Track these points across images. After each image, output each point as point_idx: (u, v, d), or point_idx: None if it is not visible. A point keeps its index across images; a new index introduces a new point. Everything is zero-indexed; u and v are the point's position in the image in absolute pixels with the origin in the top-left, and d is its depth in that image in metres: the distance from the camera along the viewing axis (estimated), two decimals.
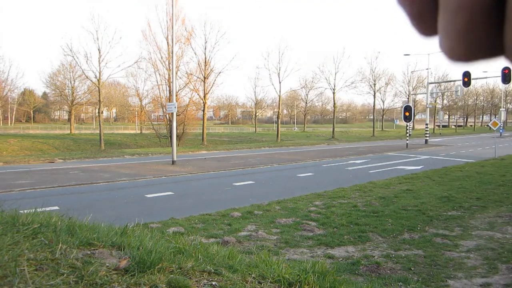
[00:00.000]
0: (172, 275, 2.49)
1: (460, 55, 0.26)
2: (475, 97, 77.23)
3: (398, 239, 6.34)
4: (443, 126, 76.49)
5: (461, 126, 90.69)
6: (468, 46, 0.25)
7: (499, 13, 0.24)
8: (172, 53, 19.63)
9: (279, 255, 5.24)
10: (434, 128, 64.95)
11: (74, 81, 42.06)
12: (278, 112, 42.87)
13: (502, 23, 0.24)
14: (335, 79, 44.11)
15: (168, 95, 32.20)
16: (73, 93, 42.54)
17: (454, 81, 36.84)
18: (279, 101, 41.77)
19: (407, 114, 26.72)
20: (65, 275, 2.19)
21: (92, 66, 31.00)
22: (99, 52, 30.00)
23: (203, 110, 34.69)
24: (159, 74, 33.41)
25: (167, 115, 33.41)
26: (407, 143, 29.70)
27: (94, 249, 2.73)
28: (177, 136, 22.39)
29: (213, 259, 3.04)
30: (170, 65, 28.16)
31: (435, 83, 48.72)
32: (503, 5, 0.23)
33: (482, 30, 0.24)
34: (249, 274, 2.87)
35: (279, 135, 41.57)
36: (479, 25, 0.24)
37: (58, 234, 2.82)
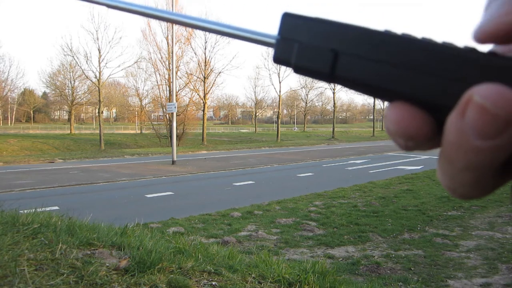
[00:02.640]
0: (172, 275, 2.49)
1: (461, 195, 0.26)
2: None
3: (398, 239, 6.34)
4: None
5: None
6: (471, 191, 0.26)
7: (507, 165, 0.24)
8: (172, 53, 19.64)
9: (279, 255, 5.24)
10: None
11: (74, 81, 42.05)
12: (278, 112, 42.88)
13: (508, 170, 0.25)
14: None
15: (168, 95, 32.21)
16: (73, 93, 42.53)
17: None
18: (279, 101, 41.78)
19: None
20: (65, 275, 2.19)
21: (92, 66, 31.09)
22: (99, 52, 30.02)
23: (203, 110, 34.70)
24: (159, 74, 33.46)
25: (167, 115, 33.42)
26: None
27: (94, 249, 2.73)
28: (177, 136, 22.40)
29: (213, 259, 3.04)
30: (170, 65, 28.17)
31: None
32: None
33: (488, 182, 0.25)
34: (249, 274, 2.88)
35: (279, 135, 41.57)
36: (485, 179, 0.25)
37: (58, 234, 2.82)
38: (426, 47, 0.25)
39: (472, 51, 0.25)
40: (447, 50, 0.25)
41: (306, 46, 0.28)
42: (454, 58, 0.25)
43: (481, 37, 0.26)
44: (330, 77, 0.28)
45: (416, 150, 0.27)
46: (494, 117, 0.22)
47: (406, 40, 0.26)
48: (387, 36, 0.26)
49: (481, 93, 0.22)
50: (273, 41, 0.29)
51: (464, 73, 0.24)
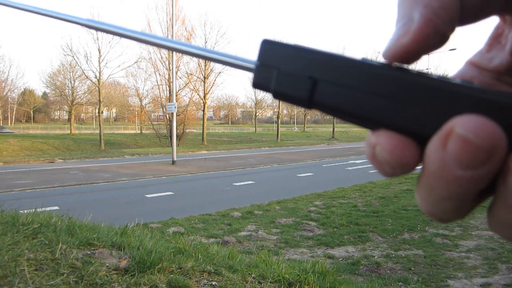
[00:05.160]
0: (172, 275, 2.50)
1: (441, 219, 0.27)
2: None
3: (398, 239, 6.34)
4: None
5: None
6: (451, 216, 0.26)
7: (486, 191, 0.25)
8: (172, 53, 19.63)
9: (279, 255, 5.24)
10: None
11: (74, 81, 42.03)
12: (278, 112, 42.90)
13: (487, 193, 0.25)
14: None
15: (168, 95, 32.22)
16: (73, 93, 42.50)
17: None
18: (279, 101, 41.72)
19: None
20: (65, 275, 2.19)
21: (92, 66, 31.13)
22: (99, 52, 30.05)
23: (203, 110, 34.70)
24: (159, 74, 33.46)
25: (167, 115, 33.43)
26: None
27: (94, 249, 2.73)
28: (177, 136, 22.41)
29: (213, 259, 3.04)
30: (170, 65, 28.18)
31: None
32: (491, 189, 0.24)
33: (468, 206, 0.26)
34: (249, 274, 2.88)
35: (279, 135, 41.58)
36: (465, 205, 0.25)
37: (58, 234, 2.82)
38: (401, 77, 0.26)
39: (450, 81, 0.25)
40: (425, 81, 0.25)
41: (285, 73, 0.28)
42: (433, 89, 0.25)
43: (388, 58, 0.27)
44: (309, 104, 0.28)
45: (397, 176, 0.27)
46: (477, 148, 0.22)
47: (383, 70, 0.26)
48: (364, 65, 0.26)
49: (463, 125, 0.23)
50: (252, 66, 0.30)
51: (444, 103, 0.24)
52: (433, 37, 0.26)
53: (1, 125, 58.97)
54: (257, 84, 0.30)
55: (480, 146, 0.22)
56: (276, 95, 0.29)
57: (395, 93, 0.26)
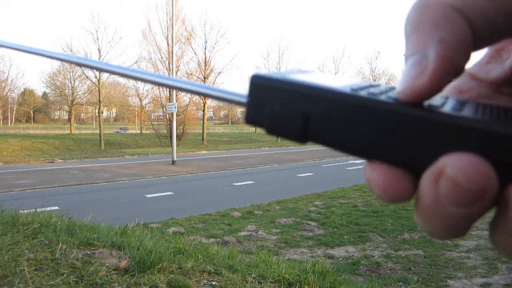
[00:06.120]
0: (172, 275, 2.50)
1: (440, 238, 0.27)
2: None
3: (398, 239, 6.34)
4: None
5: None
6: (450, 236, 0.26)
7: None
8: (172, 53, 19.65)
9: (279, 255, 5.24)
10: None
11: (74, 81, 42.03)
12: None
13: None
14: None
15: (168, 95, 32.23)
16: (73, 93, 42.50)
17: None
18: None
19: None
20: (65, 275, 2.19)
21: None
22: (99, 52, 30.08)
23: (203, 110, 34.72)
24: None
25: (167, 115, 33.44)
26: None
27: (94, 249, 2.73)
28: (177, 136, 22.42)
29: (213, 259, 3.04)
30: (170, 65, 28.19)
31: None
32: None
33: (466, 228, 0.26)
34: (249, 274, 2.88)
35: None
36: (464, 229, 0.25)
37: (58, 234, 2.82)
38: (392, 110, 0.25)
39: (442, 112, 0.25)
40: (416, 113, 0.25)
41: (276, 110, 0.28)
42: (425, 121, 0.24)
43: (405, 98, 0.26)
44: (303, 140, 0.28)
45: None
46: (467, 191, 0.22)
47: (374, 103, 0.26)
48: (354, 98, 0.26)
49: (453, 166, 0.23)
50: (244, 100, 0.29)
51: (436, 137, 0.24)
52: (451, 73, 0.25)
53: (124, 127, 60.12)
54: (249, 121, 0.29)
55: (470, 189, 0.22)
56: (270, 132, 0.29)
57: (386, 127, 0.25)
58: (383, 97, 0.26)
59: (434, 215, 0.24)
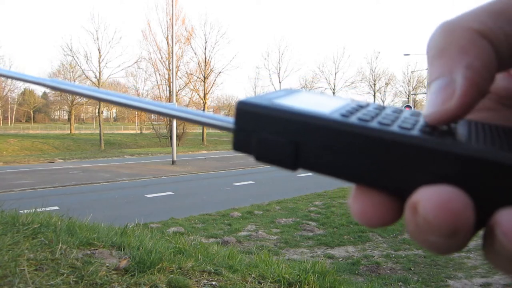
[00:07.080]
0: (172, 275, 2.50)
1: (435, 254, 0.27)
2: None
3: (398, 239, 6.34)
4: None
5: None
6: (446, 253, 0.26)
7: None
8: (172, 53, 19.66)
9: (279, 255, 5.24)
10: None
11: (74, 81, 42.02)
12: None
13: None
14: (335, 79, 44.09)
15: (168, 95, 32.25)
16: None
17: None
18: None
19: None
20: (65, 275, 2.19)
21: (92, 66, 31.12)
22: (99, 52, 30.09)
23: (203, 110, 34.65)
24: (159, 74, 33.45)
25: None
26: None
27: (94, 249, 2.73)
28: (177, 136, 22.43)
29: (213, 259, 3.04)
30: (170, 65, 28.19)
31: None
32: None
33: (463, 245, 0.25)
34: (249, 274, 2.88)
35: None
36: (457, 247, 0.25)
37: (58, 234, 2.82)
38: (377, 136, 0.25)
39: (424, 138, 0.24)
40: (406, 141, 0.24)
41: (264, 138, 0.27)
42: (406, 148, 0.24)
43: (433, 122, 0.26)
44: (294, 168, 0.27)
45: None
46: (439, 229, 0.22)
47: (361, 130, 0.25)
48: (345, 126, 0.26)
49: (424, 205, 0.23)
50: (231, 126, 0.29)
51: (416, 164, 0.24)
52: (478, 97, 0.26)
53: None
54: (237, 149, 0.29)
55: (441, 228, 0.22)
56: (259, 160, 0.28)
57: (372, 153, 0.25)
58: (373, 124, 0.26)
59: (419, 240, 0.25)
